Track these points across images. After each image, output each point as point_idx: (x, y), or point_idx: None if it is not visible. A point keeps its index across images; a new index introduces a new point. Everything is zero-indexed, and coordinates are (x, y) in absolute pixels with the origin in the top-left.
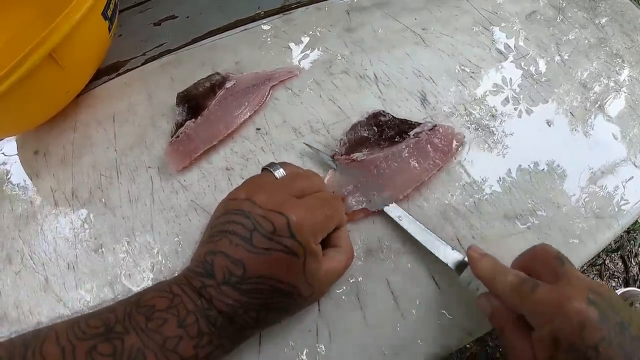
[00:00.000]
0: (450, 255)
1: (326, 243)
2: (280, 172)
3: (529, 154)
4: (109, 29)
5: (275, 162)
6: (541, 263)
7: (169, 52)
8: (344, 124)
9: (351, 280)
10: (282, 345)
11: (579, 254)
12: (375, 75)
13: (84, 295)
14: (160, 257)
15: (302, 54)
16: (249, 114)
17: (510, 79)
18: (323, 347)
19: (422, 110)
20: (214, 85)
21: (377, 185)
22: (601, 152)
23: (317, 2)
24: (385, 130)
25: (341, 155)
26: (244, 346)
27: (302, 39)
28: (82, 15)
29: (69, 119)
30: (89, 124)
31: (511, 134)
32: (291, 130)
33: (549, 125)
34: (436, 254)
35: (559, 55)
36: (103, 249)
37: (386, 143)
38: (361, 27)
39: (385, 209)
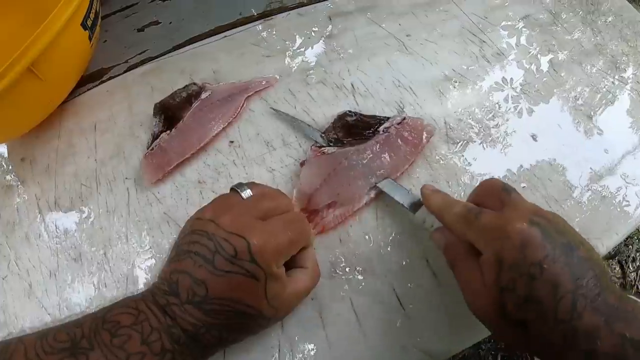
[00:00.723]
0: (406, 197)
1: (292, 263)
2: (247, 193)
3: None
4: (90, 39)
5: (243, 182)
6: (489, 194)
7: (150, 59)
8: (317, 136)
9: (314, 299)
10: None
11: None
12: (352, 86)
13: (63, 303)
14: (134, 269)
15: (280, 63)
16: (222, 126)
17: (498, 89)
18: None
19: None
20: (190, 96)
21: (347, 177)
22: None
23: (299, 7)
24: (353, 130)
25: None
26: None
27: (281, 47)
28: (60, 28)
29: (54, 127)
30: (73, 132)
31: (492, 152)
32: (263, 144)
33: (534, 140)
34: (392, 196)
35: (552, 62)
36: (82, 258)
37: (357, 140)
38: (343, 33)
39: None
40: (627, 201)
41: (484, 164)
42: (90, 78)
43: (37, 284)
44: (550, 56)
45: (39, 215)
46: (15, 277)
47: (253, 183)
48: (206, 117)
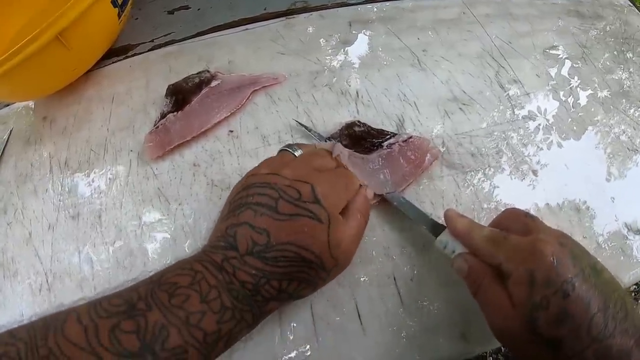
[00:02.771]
0: (426, 220)
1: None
2: (299, 152)
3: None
4: (119, 16)
5: (292, 143)
6: (513, 221)
7: (174, 42)
8: (310, 140)
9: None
10: None
11: None
12: (357, 93)
13: (55, 255)
14: (122, 236)
15: (292, 62)
16: (225, 115)
17: (507, 119)
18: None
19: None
20: (202, 82)
21: None
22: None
23: (323, 9)
24: (359, 141)
25: None
26: None
27: (296, 46)
28: (90, 3)
29: (77, 93)
30: (92, 100)
31: (485, 183)
32: (260, 138)
33: (535, 175)
34: (413, 219)
35: (572, 101)
36: (79, 217)
37: (359, 152)
38: (359, 40)
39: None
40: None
41: (474, 192)
42: (117, 52)
43: (36, 234)
44: (572, 93)
45: (49, 172)
46: (19, 225)
47: (300, 144)
48: (211, 105)
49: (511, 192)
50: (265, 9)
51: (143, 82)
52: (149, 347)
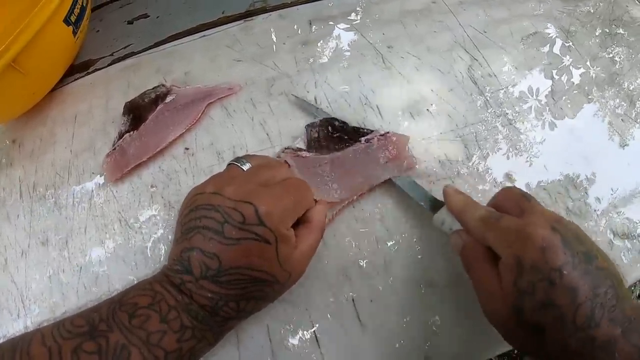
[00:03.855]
0: (425, 197)
1: (296, 224)
2: (246, 165)
3: None
4: (74, 33)
5: (240, 156)
6: (508, 200)
7: (133, 54)
8: (266, 154)
9: None
10: None
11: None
12: (315, 100)
13: (30, 282)
14: (87, 261)
15: (249, 69)
16: (180, 132)
17: (480, 119)
18: None
19: None
20: (157, 97)
21: (316, 184)
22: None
23: (283, 7)
24: (337, 135)
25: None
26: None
27: (254, 51)
28: (40, 26)
29: (42, 114)
30: (56, 121)
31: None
32: (215, 155)
33: (512, 180)
34: (412, 196)
35: (553, 94)
36: (48, 243)
37: (336, 147)
38: (320, 40)
39: None
40: None
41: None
42: (79, 68)
43: (11, 261)
44: (551, 84)
45: (19, 197)
46: None
47: (249, 155)
48: (166, 122)
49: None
50: (223, 12)
51: (103, 101)
52: None
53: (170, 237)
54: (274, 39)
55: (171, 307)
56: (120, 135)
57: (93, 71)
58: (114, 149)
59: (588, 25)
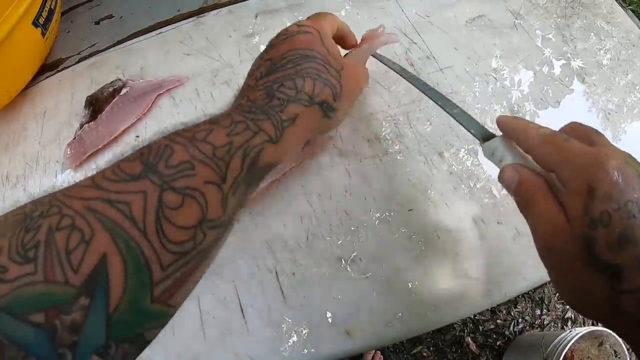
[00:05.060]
0: (477, 127)
1: None
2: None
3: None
4: (43, 34)
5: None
6: (577, 132)
7: (97, 52)
8: None
9: None
10: None
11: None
12: None
13: None
14: None
15: (196, 62)
16: (132, 121)
17: (413, 98)
18: None
19: None
20: (115, 90)
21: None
22: None
23: (233, 3)
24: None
25: None
26: None
27: (202, 45)
28: (8, 29)
29: (15, 110)
30: (28, 117)
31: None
32: None
33: (442, 158)
34: (461, 122)
35: (494, 76)
36: None
37: None
38: (263, 32)
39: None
40: None
41: (367, 182)
42: (50, 67)
43: None
44: (495, 66)
45: None
46: None
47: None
48: (120, 112)
49: (413, 179)
50: (178, 11)
51: (68, 95)
52: (152, 167)
53: None
54: (221, 33)
55: (223, 113)
56: (81, 126)
57: (62, 69)
58: (74, 138)
59: (540, 8)
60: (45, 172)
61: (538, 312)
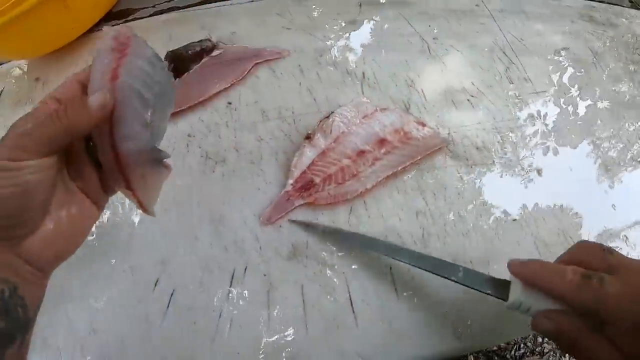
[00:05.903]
0: (488, 283)
1: None
2: None
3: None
4: None
5: None
6: (591, 256)
7: (177, 8)
8: (312, 117)
9: (266, 276)
10: (188, 321)
11: (523, 321)
12: (363, 75)
13: None
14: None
15: (297, 38)
16: (224, 86)
17: (515, 116)
18: (223, 336)
19: None
20: (202, 51)
21: None
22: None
23: None
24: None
25: None
26: None
27: (303, 22)
28: None
29: (73, 55)
30: (89, 63)
31: (490, 176)
32: (259, 112)
33: (540, 175)
34: (473, 287)
35: (579, 104)
36: None
37: None
38: (368, 22)
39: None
40: None
41: (478, 186)
42: (117, 15)
43: None
44: (579, 98)
45: None
46: None
47: None
48: (211, 75)
49: (514, 189)
50: None
51: None
52: None
53: (204, 188)
54: (325, 15)
55: None
56: None
57: (132, 20)
58: None
59: (613, 50)
60: None
61: (540, 339)
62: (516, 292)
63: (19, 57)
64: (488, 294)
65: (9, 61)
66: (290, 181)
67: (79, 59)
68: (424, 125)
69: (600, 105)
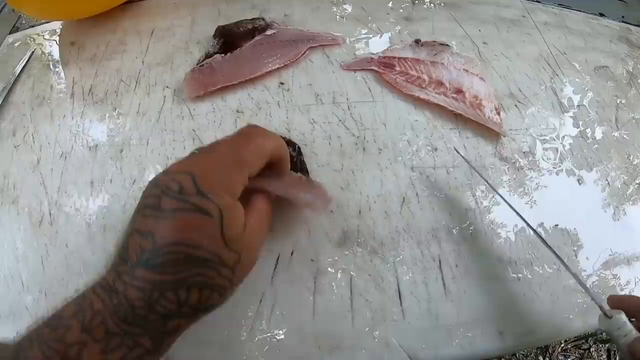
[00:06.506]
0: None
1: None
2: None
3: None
4: None
5: None
6: None
7: None
8: (365, 107)
9: (314, 261)
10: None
11: (559, 326)
12: None
13: (63, 187)
14: (143, 174)
15: (350, 28)
16: (277, 66)
17: (560, 124)
18: (263, 321)
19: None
20: (255, 29)
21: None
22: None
23: None
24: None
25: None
26: None
27: (357, 14)
28: None
29: (111, 22)
30: (128, 32)
31: (542, 186)
32: (313, 95)
33: (579, 183)
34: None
35: (617, 123)
36: (97, 149)
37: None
38: (421, 21)
39: None
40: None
41: (524, 190)
42: None
43: (45, 161)
44: (616, 117)
45: (69, 97)
46: (27, 149)
47: None
48: (264, 53)
49: (560, 197)
50: None
51: (188, 21)
52: None
53: None
54: (379, 8)
55: (96, 313)
56: (208, 55)
57: None
58: (201, 66)
59: None
60: (149, 95)
61: (541, 358)
62: (623, 318)
63: (55, 17)
64: (600, 306)
65: (44, 22)
66: (380, 53)
67: (116, 27)
68: (499, 112)
69: (623, 128)
